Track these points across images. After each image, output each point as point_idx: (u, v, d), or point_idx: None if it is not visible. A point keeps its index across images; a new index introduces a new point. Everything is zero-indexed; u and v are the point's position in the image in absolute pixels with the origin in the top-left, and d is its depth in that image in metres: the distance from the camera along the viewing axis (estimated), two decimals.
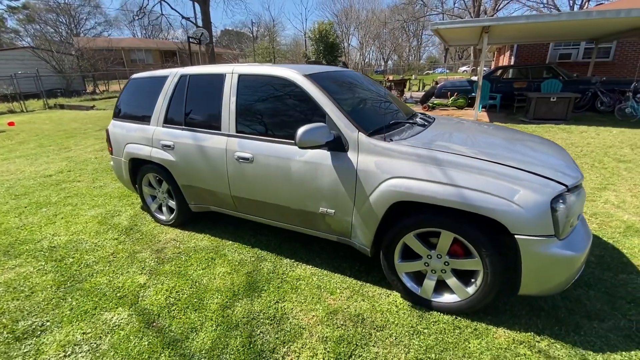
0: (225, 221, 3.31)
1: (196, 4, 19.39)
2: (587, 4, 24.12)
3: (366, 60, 55.98)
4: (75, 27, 38.82)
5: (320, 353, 1.76)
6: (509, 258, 1.80)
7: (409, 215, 1.95)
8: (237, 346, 1.82)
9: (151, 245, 2.94)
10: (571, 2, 26.93)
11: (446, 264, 1.93)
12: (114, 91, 21.84)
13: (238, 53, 42.70)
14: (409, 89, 16.65)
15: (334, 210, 2.18)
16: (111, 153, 3.44)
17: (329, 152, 2.13)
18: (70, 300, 2.23)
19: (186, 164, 2.80)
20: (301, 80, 2.28)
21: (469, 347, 1.77)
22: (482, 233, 1.76)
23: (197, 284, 2.37)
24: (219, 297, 2.22)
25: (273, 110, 2.44)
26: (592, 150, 5.35)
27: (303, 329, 1.93)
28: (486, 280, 1.82)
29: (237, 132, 2.52)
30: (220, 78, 2.64)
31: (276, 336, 1.88)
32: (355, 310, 2.06)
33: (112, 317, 2.06)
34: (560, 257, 1.65)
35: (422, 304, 2.06)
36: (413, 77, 25.55)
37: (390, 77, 18.12)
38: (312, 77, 2.34)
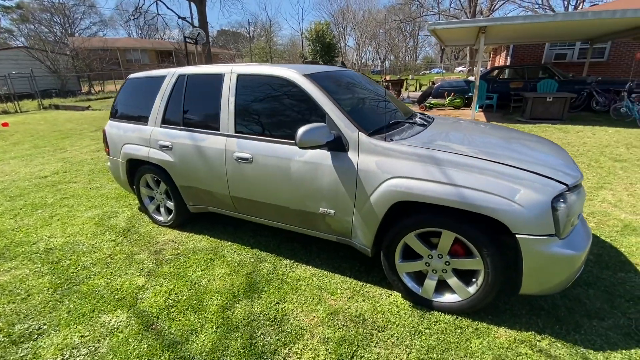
0: (224, 222, 3.29)
1: (192, 4, 19.30)
2: (581, 4, 24.34)
3: (363, 60, 56.10)
4: (70, 27, 38.54)
5: (322, 354, 1.75)
6: (509, 257, 1.81)
7: (409, 215, 1.95)
8: (237, 348, 1.81)
9: (149, 246, 2.91)
10: (565, 2, 27.19)
11: (447, 263, 1.93)
12: (109, 91, 21.68)
13: (235, 53, 42.60)
14: (406, 89, 16.69)
15: (334, 211, 2.17)
16: (108, 154, 3.41)
17: (329, 152, 2.12)
18: (67, 302, 2.21)
19: (184, 165, 2.77)
20: (301, 80, 2.27)
21: (471, 347, 1.77)
22: (483, 233, 1.76)
23: (196, 285, 2.35)
24: (219, 298, 2.20)
25: (272, 111, 2.42)
26: (589, 150, 5.39)
27: (304, 330, 1.92)
28: (487, 280, 1.82)
29: (236, 132, 2.50)
30: (218, 78, 2.62)
31: (277, 337, 1.87)
32: (356, 311, 2.05)
33: (111, 320, 2.04)
34: (561, 256, 1.65)
35: (423, 304, 2.06)
36: (410, 77, 25.61)
37: (387, 77, 18.17)
38: (311, 76, 2.33)
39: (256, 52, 37.73)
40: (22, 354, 1.81)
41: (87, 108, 14.29)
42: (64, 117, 11.82)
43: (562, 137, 6.29)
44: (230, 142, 2.50)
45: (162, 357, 1.76)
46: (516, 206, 1.64)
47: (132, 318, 2.05)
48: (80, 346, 1.85)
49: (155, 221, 3.34)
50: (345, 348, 1.79)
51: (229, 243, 2.92)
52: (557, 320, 1.93)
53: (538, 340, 1.80)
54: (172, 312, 2.09)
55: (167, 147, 2.84)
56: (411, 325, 1.93)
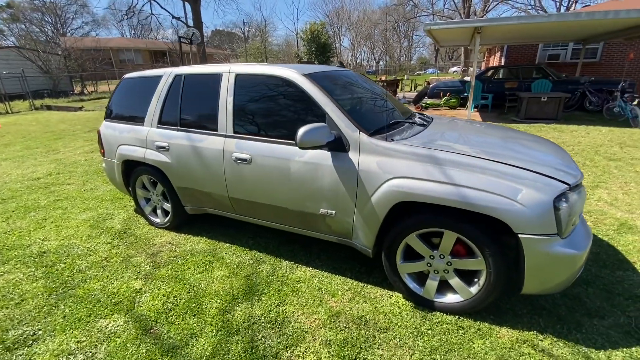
0: (221, 223, 3.26)
1: (187, 4, 19.16)
2: (573, 5, 24.64)
3: (358, 60, 56.22)
4: (61, 27, 38.04)
5: (324, 357, 1.73)
6: (511, 257, 1.81)
7: (411, 216, 1.94)
8: (238, 351, 1.78)
9: (146, 249, 2.87)
10: (558, 4, 27.50)
11: (449, 264, 1.92)
12: (102, 92, 21.44)
13: (229, 53, 42.39)
14: (402, 89, 16.74)
15: (334, 211, 2.16)
16: (103, 155, 3.36)
17: (329, 153, 2.10)
18: (62, 307, 2.16)
19: (182, 166, 2.74)
20: (300, 80, 2.25)
21: (474, 348, 1.76)
22: (485, 233, 1.76)
23: (195, 288, 2.31)
24: (218, 301, 2.17)
25: (271, 111, 2.40)
26: (583, 149, 5.44)
27: (305, 332, 1.90)
28: (489, 280, 1.82)
29: (234, 132, 2.47)
30: (216, 78, 2.59)
31: (278, 340, 1.85)
32: (358, 313, 2.03)
33: (108, 324, 2.00)
34: (562, 255, 1.65)
35: (424, 304, 2.05)
36: (405, 77, 25.72)
37: (383, 78, 18.21)
38: (311, 76, 2.31)
39: (251, 52, 37.63)
40: None
41: (80, 109, 14.11)
42: (57, 118, 11.64)
43: (557, 137, 6.34)
44: (229, 143, 2.47)
45: None
46: (518, 206, 1.64)
47: (130, 322, 2.01)
48: (76, 352, 1.81)
49: (151, 223, 3.29)
50: (347, 350, 1.77)
51: (228, 245, 2.89)
52: (558, 320, 1.93)
53: (540, 340, 1.80)
54: (171, 315, 2.06)
55: (163, 148, 2.80)
56: (413, 326, 1.92)
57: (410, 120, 2.53)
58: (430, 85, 11.98)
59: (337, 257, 2.64)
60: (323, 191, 2.14)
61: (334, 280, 2.36)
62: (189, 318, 2.03)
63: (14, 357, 1.79)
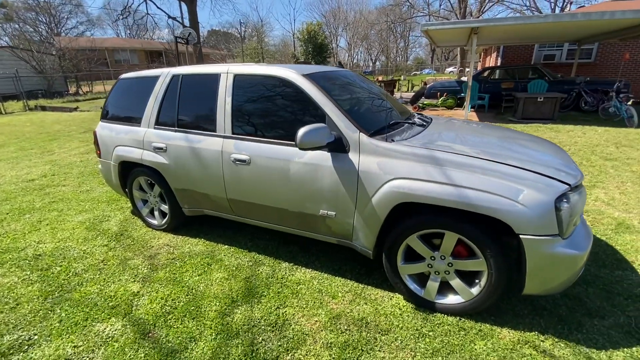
0: (220, 225, 3.23)
1: (183, 4, 19.05)
2: (568, 6, 24.84)
3: (354, 61, 56.28)
4: (56, 27, 37.66)
5: None
6: (512, 258, 1.80)
7: (412, 217, 1.93)
8: (238, 355, 1.76)
9: (143, 251, 2.83)
10: (552, 5, 27.71)
11: (450, 265, 1.92)
12: (98, 92, 21.27)
13: (226, 53, 42.26)
14: (399, 90, 16.78)
15: (334, 213, 2.14)
16: (99, 156, 3.31)
17: (329, 154, 2.09)
18: (59, 311, 2.12)
19: (180, 167, 2.71)
20: (300, 80, 2.23)
21: (476, 349, 1.75)
22: (486, 233, 1.75)
23: (193, 290, 2.29)
24: (217, 304, 2.15)
25: (270, 111, 2.38)
26: (580, 149, 5.47)
27: (306, 335, 1.88)
28: (491, 281, 1.81)
29: (233, 133, 2.45)
30: (214, 78, 2.56)
31: (279, 343, 1.83)
32: (359, 314, 2.02)
33: (105, 328, 1.97)
34: (564, 256, 1.65)
35: (425, 305, 2.04)
36: (402, 77, 25.79)
37: (380, 78, 18.24)
38: (310, 76, 2.29)
39: (248, 52, 37.54)
40: None
41: (75, 109, 13.97)
42: (51, 119, 11.52)
43: (554, 137, 6.38)
44: (227, 144, 2.45)
45: None
46: (520, 207, 1.63)
47: (128, 326, 1.98)
48: (73, 357, 1.78)
49: (149, 225, 3.26)
50: (349, 353, 1.75)
51: (226, 246, 2.87)
52: (559, 320, 1.93)
53: (541, 341, 1.80)
54: (170, 319, 2.03)
55: (161, 149, 2.77)
56: (415, 328, 1.91)
57: (410, 121, 2.52)
58: (427, 86, 12.01)
59: (337, 258, 2.63)
60: (323, 192, 2.13)
61: (334, 282, 2.34)
62: (188, 321, 2.00)
63: None
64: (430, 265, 1.98)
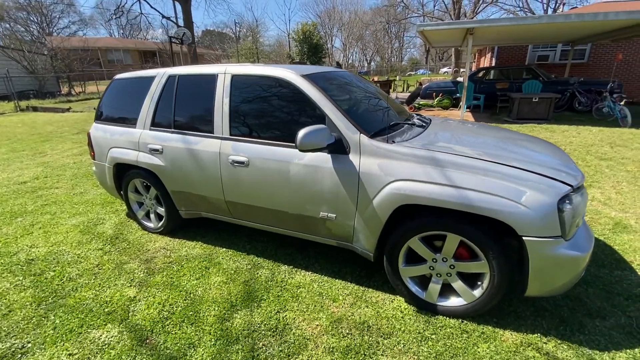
0: (217, 227, 3.19)
1: (177, 3, 18.90)
2: (561, 7, 25.12)
3: (349, 61, 56.36)
4: (47, 26, 37.15)
5: None
6: (514, 260, 1.79)
7: (413, 219, 1.91)
8: None
9: (139, 255, 2.78)
10: (545, 6, 28.01)
11: (452, 267, 1.90)
12: (91, 92, 21.01)
13: (221, 54, 42.05)
14: (394, 90, 16.81)
15: (335, 215, 2.12)
16: (93, 158, 3.25)
17: (329, 155, 2.06)
18: (53, 318, 2.07)
19: (176, 169, 2.66)
20: (299, 81, 2.21)
21: (479, 352, 1.74)
22: (488, 235, 1.74)
23: (191, 295, 2.25)
24: (216, 308, 2.11)
25: (269, 112, 2.35)
26: (575, 149, 5.51)
27: (307, 339, 1.85)
28: (493, 283, 1.80)
29: (231, 134, 2.41)
30: (212, 79, 2.52)
31: (280, 349, 1.80)
32: (360, 318, 1.99)
33: (101, 335, 1.92)
34: (566, 257, 1.64)
35: (427, 308, 2.03)
36: (397, 78, 25.87)
37: (375, 78, 18.27)
38: (309, 77, 2.26)
39: (243, 52, 37.40)
40: None
41: (68, 110, 13.77)
42: (43, 120, 11.34)
43: (549, 137, 6.42)
44: (225, 145, 2.41)
45: None
46: (522, 208, 1.62)
47: (124, 332, 1.93)
48: None
49: (144, 228, 3.20)
50: (351, 357, 1.73)
51: (224, 249, 2.83)
52: (561, 321, 1.93)
53: (544, 343, 1.79)
54: (167, 324, 1.99)
55: (157, 150, 2.72)
56: (417, 331, 1.89)
57: (410, 122, 2.51)
58: (423, 86, 12.05)
59: (336, 260, 2.61)
60: (323, 194, 2.10)
61: (335, 285, 2.32)
62: (186, 327, 1.96)
63: None
64: (432, 268, 1.96)
